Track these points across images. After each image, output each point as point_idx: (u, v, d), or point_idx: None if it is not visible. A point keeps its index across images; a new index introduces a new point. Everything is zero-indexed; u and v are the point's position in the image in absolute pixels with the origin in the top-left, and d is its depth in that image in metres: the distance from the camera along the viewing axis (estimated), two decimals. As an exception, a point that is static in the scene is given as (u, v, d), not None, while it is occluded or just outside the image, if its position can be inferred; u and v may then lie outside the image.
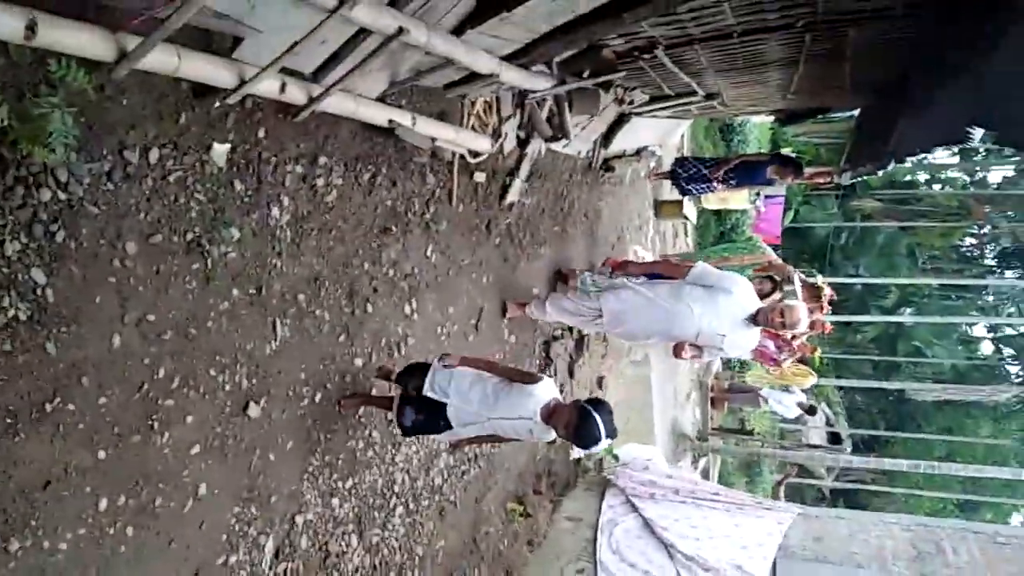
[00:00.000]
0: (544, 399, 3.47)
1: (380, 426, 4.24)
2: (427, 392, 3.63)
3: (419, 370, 3.75)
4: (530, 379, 3.55)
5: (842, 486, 24.56)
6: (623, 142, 8.02)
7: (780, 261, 6.61)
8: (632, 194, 9.42)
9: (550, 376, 6.41)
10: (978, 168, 29.58)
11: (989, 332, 30.73)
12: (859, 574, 5.46)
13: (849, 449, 13.74)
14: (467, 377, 3.64)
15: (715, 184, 8.70)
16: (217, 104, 3.05)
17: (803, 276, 6.85)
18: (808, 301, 6.34)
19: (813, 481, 21.18)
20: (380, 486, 4.25)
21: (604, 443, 3.36)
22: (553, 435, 3.51)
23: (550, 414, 3.44)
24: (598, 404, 3.40)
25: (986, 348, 31.33)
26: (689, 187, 8.96)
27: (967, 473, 12.42)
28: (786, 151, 18.04)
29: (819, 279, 6.93)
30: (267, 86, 3.11)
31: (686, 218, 11.79)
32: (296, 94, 3.31)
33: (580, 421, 3.31)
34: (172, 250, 2.93)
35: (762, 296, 5.93)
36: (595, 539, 5.87)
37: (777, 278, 6.24)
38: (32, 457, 2.44)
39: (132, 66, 2.50)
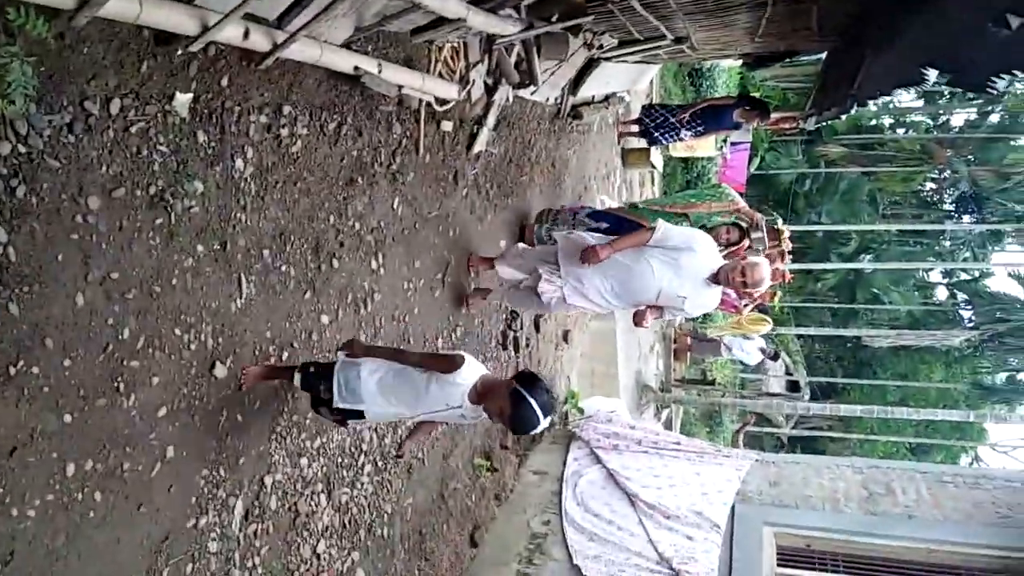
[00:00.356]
0: (469, 382, 3.07)
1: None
2: (338, 404, 3.23)
3: (323, 375, 3.28)
4: (448, 365, 3.08)
5: (800, 434, 25.23)
6: (592, 88, 7.93)
7: (748, 208, 6.42)
8: (600, 142, 9.36)
9: (516, 329, 6.46)
10: (942, 111, 29.90)
11: (944, 278, 31.37)
12: (812, 516, 5.61)
13: (807, 397, 14.04)
14: (379, 375, 3.21)
15: (682, 132, 8.68)
16: (179, 52, 2.95)
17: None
18: (769, 245, 6.36)
19: (772, 430, 21.73)
20: (348, 445, 4.23)
21: (543, 424, 2.96)
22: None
23: (480, 396, 3.06)
24: (532, 383, 2.95)
25: (941, 294, 32.06)
26: (656, 135, 8.93)
27: (919, 417, 12.82)
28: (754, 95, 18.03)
29: (780, 223, 6.88)
30: (230, 33, 3.01)
31: (653, 167, 11.77)
32: (260, 41, 3.21)
33: (515, 409, 2.91)
34: (135, 205, 2.84)
35: (729, 244, 5.87)
36: (560, 491, 5.95)
37: (744, 225, 6.07)
38: (-4, 422, 2.38)
39: (92, 13, 2.39)
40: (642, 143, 9.99)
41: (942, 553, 5.22)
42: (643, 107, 9.18)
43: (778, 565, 5.25)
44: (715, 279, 4.68)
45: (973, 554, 5.17)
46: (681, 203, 6.44)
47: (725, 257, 5.15)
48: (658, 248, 4.68)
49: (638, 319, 4.86)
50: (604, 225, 6.17)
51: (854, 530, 5.43)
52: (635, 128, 9.47)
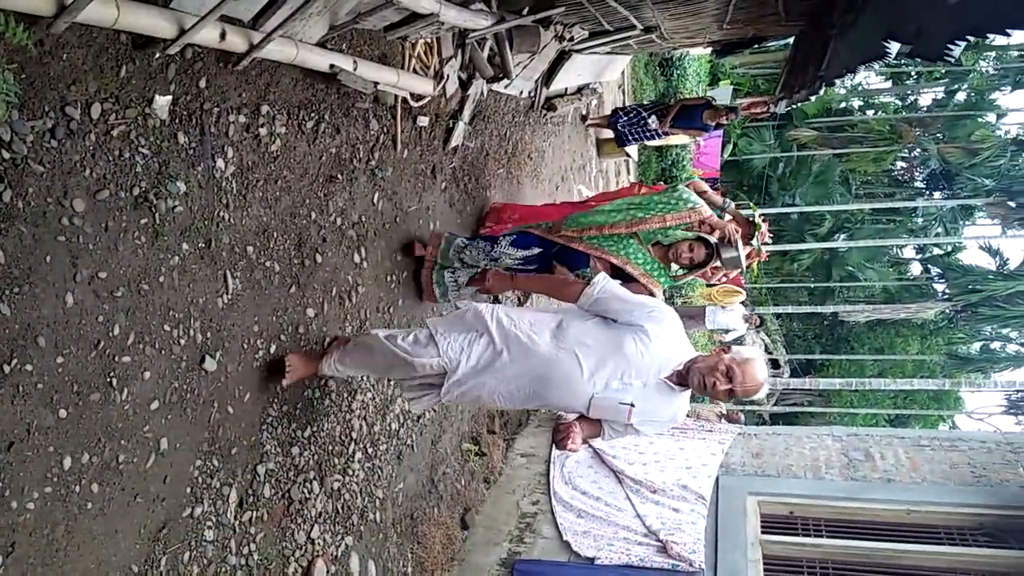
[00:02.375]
0: None
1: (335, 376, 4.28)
2: None
3: None
4: None
5: (781, 410, 25.47)
6: (564, 81, 8.02)
7: (716, 218, 4.84)
8: (575, 134, 9.47)
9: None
10: (909, 92, 30.27)
11: (917, 253, 31.76)
12: (794, 484, 5.77)
13: (787, 374, 14.22)
14: None
15: (650, 118, 8.80)
16: (157, 55, 3.01)
17: (735, 210, 6.30)
18: (743, 237, 5.03)
19: (753, 408, 21.94)
20: (338, 433, 4.31)
21: None
22: None
23: None
24: None
25: (915, 269, 32.46)
26: (626, 133, 9.07)
27: (896, 387, 13.01)
28: (724, 83, 18.22)
29: (756, 213, 6.35)
30: (207, 35, 3.08)
31: (628, 156, 11.88)
32: (236, 42, 3.28)
33: None
34: (120, 206, 2.91)
35: (694, 266, 4.63)
36: (548, 472, 6.06)
37: (713, 240, 4.67)
38: (-6, 419, 2.45)
39: (71, 19, 2.46)
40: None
41: (921, 513, 5.38)
42: (613, 110, 9.30)
43: (762, 532, 5.38)
44: (681, 380, 3.13)
45: (951, 513, 5.34)
46: (624, 220, 4.79)
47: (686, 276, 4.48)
48: (592, 321, 3.21)
49: (561, 439, 3.22)
50: (536, 251, 4.89)
51: (835, 495, 5.59)
52: (605, 124, 9.57)
